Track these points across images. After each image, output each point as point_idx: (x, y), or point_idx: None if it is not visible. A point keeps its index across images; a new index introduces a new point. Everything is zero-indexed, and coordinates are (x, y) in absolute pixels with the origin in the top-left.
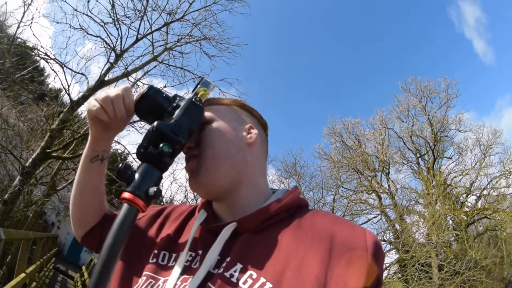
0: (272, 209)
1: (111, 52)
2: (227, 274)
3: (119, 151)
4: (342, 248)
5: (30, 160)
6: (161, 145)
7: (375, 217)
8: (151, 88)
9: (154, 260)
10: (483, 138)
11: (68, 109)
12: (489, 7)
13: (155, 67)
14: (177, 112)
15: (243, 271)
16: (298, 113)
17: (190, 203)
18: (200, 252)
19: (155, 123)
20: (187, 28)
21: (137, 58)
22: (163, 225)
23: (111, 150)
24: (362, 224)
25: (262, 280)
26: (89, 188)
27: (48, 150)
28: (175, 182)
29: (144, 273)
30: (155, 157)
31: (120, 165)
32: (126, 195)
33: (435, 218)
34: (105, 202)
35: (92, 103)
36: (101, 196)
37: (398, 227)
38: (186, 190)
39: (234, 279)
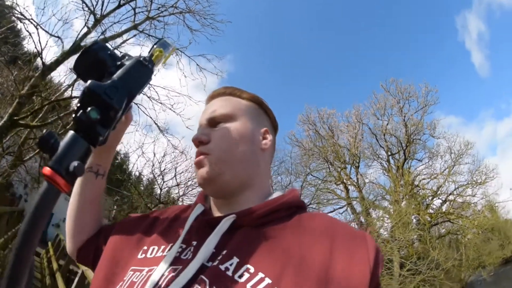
0: (274, 204)
1: (89, 16)
2: (222, 267)
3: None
4: (343, 248)
5: None
6: (88, 109)
7: (341, 207)
8: (96, 42)
9: (143, 255)
10: (455, 147)
11: (39, 73)
12: (494, 25)
13: (134, 35)
14: (118, 71)
15: (239, 265)
16: (274, 97)
17: (157, 179)
18: (194, 243)
19: (88, 82)
20: None
21: (115, 24)
22: (154, 224)
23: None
24: (328, 213)
25: (261, 275)
26: (84, 200)
27: (15, 117)
28: (143, 156)
29: (131, 268)
30: (84, 124)
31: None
32: (45, 170)
33: (401, 216)
34: (102, 216)
35: None
36: (97, 210)
37: (363, 221)
38: (153, 165)
39: (229, 272)
